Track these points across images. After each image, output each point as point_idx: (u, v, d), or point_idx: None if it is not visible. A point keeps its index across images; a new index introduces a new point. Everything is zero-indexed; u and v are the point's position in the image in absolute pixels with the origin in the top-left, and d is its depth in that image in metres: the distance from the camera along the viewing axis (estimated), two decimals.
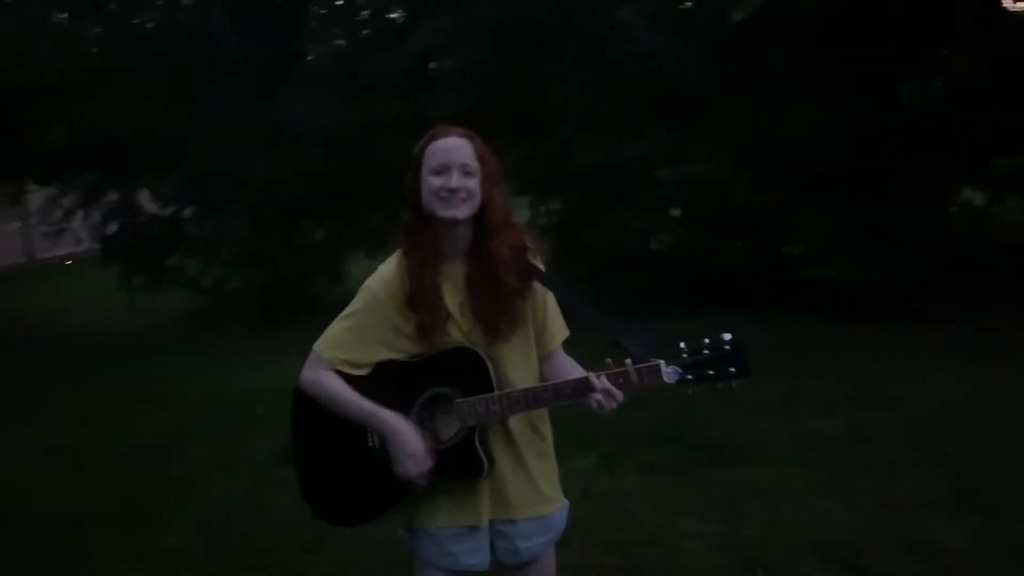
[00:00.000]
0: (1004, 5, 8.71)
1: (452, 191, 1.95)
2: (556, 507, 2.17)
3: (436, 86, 8.07)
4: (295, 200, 9.18)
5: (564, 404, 1.98)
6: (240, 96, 9.24)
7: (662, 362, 1.88)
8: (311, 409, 2.10)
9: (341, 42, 10.01)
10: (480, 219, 2.01)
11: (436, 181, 1.96)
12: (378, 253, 10.75)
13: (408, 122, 8.69)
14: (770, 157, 7.45)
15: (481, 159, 2.00)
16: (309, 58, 10.57)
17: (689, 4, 7.06)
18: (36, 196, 11.67)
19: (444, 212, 1.96)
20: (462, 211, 1.97)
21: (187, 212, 10.16)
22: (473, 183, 1.98)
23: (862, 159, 7.54)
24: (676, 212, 7.89)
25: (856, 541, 3.56)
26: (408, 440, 1.97)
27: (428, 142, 2.01)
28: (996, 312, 6.86)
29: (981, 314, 6.85)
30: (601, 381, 1.89)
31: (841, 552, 3.47)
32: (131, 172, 9.77)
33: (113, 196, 10.08)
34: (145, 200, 10.44)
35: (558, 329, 2.15)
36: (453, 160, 1.97)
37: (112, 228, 10.30)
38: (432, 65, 8.97)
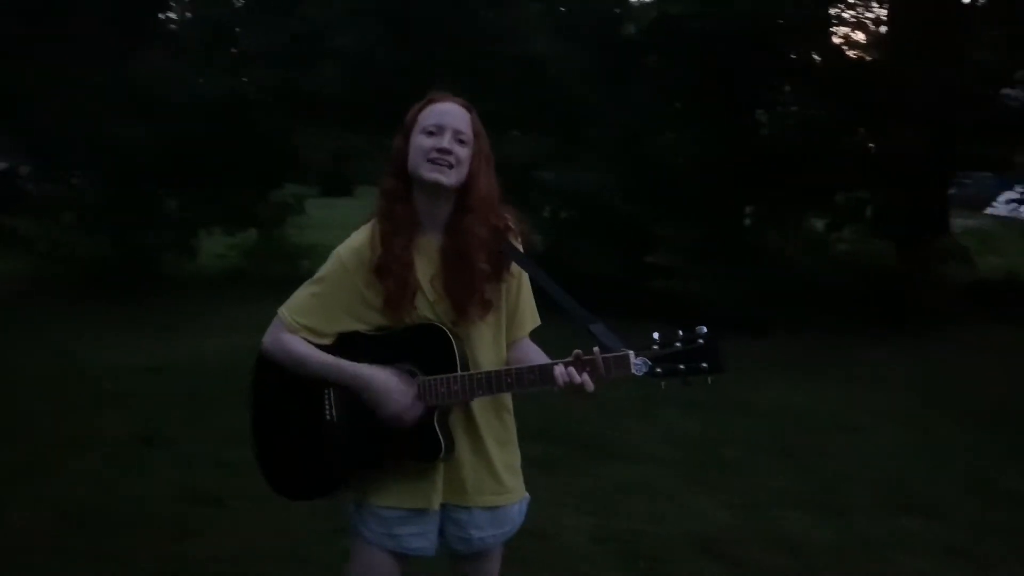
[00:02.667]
0: (848, 53, 9.59)
1: (443, 151, 1.88)
2: (515, 499, 2.11)
3: (318, 65, 7.86)
4: (151, 167, 8.64)
5: (528, 391, 1.92)
6: (95, 52, 8.59)
7: (631, 352, 1.81)
8: (270, 378, 2.02)
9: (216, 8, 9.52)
10: (462, 194, 1.94)
11: (428, 141, 1.89)
12: (238, 231, 10.34)
13: (284, 99, 8.44)
14: (641, 170, 7.80)
15: (476, 132, 1.95)
16: (173, 21, 9.99)
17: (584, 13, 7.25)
18: None
19: (430, 174, 1.88)
20: (448, 177, 1.89)
21: (24, 169, 9.33)
22: (464, 152, 1.92)
23: (721, 181, 8.05)
24: (547, 215, 8.09)
25: (726, 535, 3.80)
26: (385, 378, 1.91)
27: (425, 105, 1.95)
28: (831, 328, 7.55)
29: (818, 329, 7.51)
30: (568, 370, 1.83)
31: (715, 546, 3.69)
32: None
33: None
34: None
35: (529, 316, 2.09)
36: (448, 123, 1.91)
37: None
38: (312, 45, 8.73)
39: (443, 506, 2.02)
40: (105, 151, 8.29)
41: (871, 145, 9.51)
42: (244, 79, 8.84)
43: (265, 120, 8.70)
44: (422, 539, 2.03)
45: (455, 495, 2.02)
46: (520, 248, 2.02)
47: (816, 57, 9.11)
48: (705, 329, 1.79)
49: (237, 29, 8.67)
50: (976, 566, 3.56)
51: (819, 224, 9.06)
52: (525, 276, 2.05)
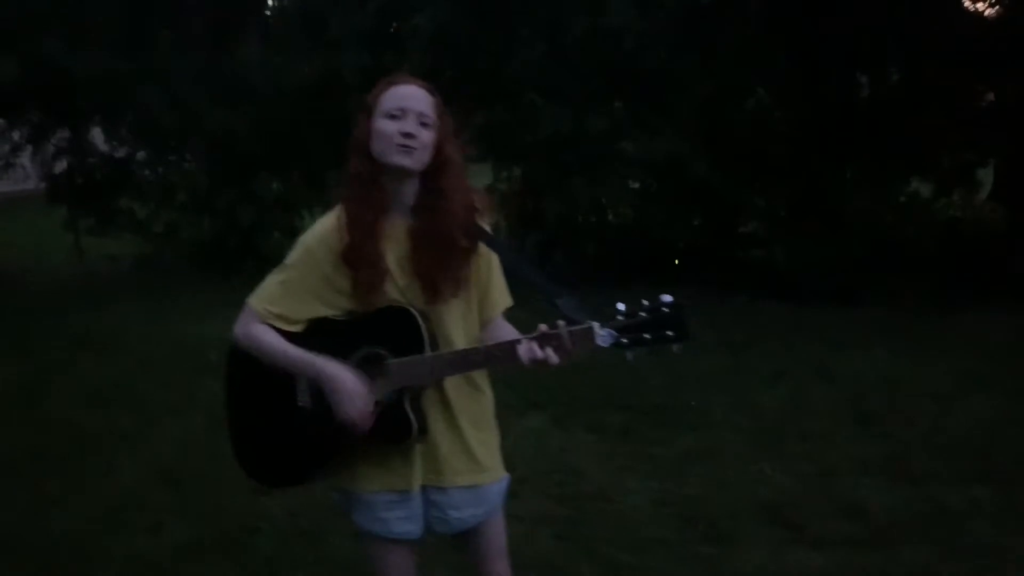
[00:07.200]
0: (965, 5, 8.96)
1: (408, 135, 1.88)
2: (493, 478, 2.10)
3: (401, 45, 8.03)
4: (252, 151, 9.08)
5: (497, 367, 1.93)
6: (200, 43, 9.08)
7: (595, 324, 1.80)
8: (243, 367, 2.06)
9: None
10: (432, 176, 1.95)
11: (392, 125, 1.88)
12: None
13: (372, 79, 8.66)
14: (727, 138, 7.63)
15: (439, 113, 1.95)
16: (270, 8, 10.41)
17: None
18: None
19: (395, 159, 1.89)
20: (414, 160, 1.90)
21: (140, 155, 9.96)
22: (428, 135, 1.91)
23: (814, 145, 7.77)
24: (635, 185, 8.02)
25: (792, 502, 3.75)
26: (345, 380, 1.91)
27: (385, 87, 1.94)
28: (929, 298, 7.17)
29: (914, 297, 7.15)
30: (531, 345, 1.83)
31: (777, 512, 3.66)
32: (83, 112, 9.51)
33: (64, 134, 9.80)
34: (98, 140, 10.17)
35: (501, 295, 2.09)
36: (411, 106, 1.90)
37: (61, 166, 10.02)
38: (396, 25, 8.92)
39: (423, 488, 2.05)
40: (210, 136, 8.75)
41: (984, 104, 8.92)
42: (343, 60, 9.12)
43: (358, 101, 8.94)
44: (408, 522, 2.06)
45: (432, 475, 2.04)
46: (487, 228, 2.03)
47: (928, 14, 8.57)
48: (669, 298, 1.78)
49: (327, 14, 8.92)
50: None
51: (925, 189, 8.60)
52: (494, 256, 2.05)
